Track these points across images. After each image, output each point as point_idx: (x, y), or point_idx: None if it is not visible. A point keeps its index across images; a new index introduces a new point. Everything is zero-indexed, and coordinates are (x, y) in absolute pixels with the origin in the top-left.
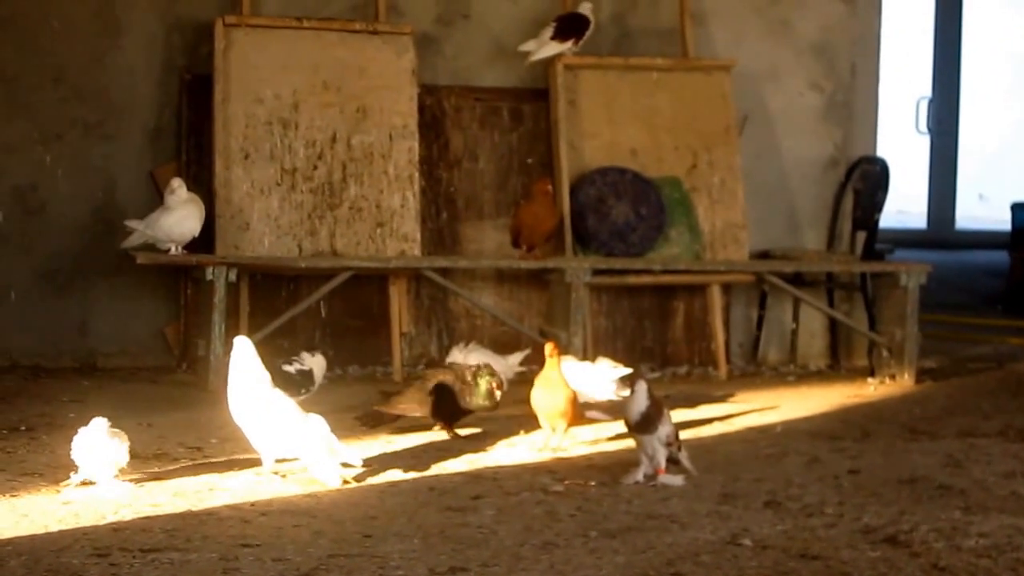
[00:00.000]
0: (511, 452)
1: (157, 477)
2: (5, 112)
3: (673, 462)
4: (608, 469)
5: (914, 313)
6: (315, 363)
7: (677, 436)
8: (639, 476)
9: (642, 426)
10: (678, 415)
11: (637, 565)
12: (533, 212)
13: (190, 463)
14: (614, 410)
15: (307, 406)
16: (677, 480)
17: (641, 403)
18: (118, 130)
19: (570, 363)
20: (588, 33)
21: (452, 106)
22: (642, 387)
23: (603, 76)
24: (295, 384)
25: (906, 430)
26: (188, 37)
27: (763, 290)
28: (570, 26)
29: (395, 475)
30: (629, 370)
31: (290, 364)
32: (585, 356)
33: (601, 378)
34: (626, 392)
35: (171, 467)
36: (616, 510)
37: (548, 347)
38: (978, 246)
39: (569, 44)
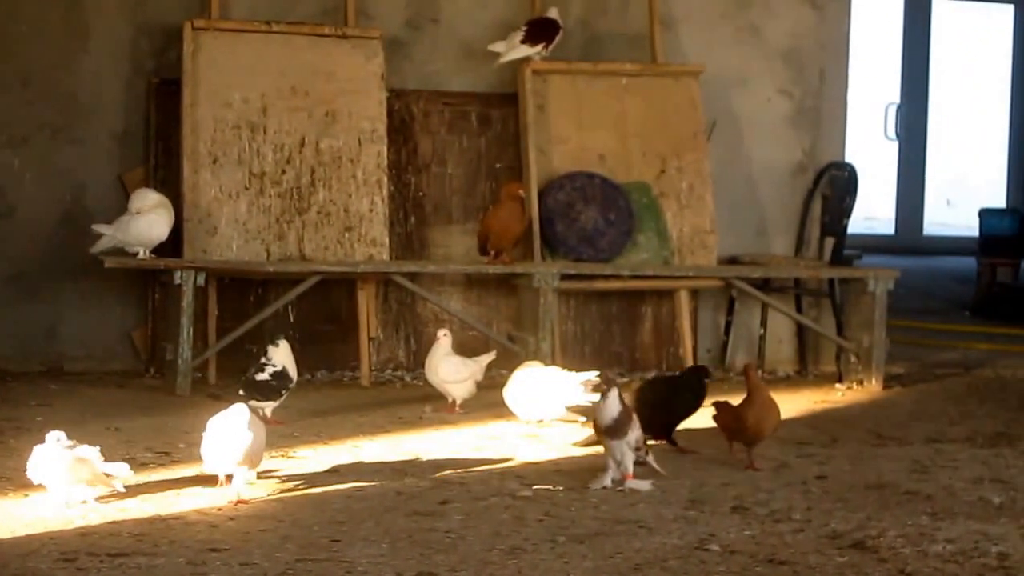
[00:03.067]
0: (478, 457)
1: (121, 495)
2: None
3: (640, 464)
4: (576, 474)
5: (882, 319)
6: (283, 355)
7: (644, 440)
8: (607, 481)
9: (612, 431)
10: None
11: (605, 570)
12: (501, 217)
13: (158, 467)
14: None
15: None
16: (645, 485)
17: (613, 409)
18: (86, 134)
19: (538, 368)
20: (558, 38)
21: (421, 110)
22: (614, 393)
23: (572, 81)
24: (274, 390)
25: (874, 436)
26: (156, 41)
27: (731, 295)
28: (540, 31)
29: (362, 480)
30: (595, 373)
31: (262, 371)
32: (553, 361)
33: (570, 383)
34: (595, 396)
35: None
36: (584, 515)
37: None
38: (946, 252)
39: (539, 48)
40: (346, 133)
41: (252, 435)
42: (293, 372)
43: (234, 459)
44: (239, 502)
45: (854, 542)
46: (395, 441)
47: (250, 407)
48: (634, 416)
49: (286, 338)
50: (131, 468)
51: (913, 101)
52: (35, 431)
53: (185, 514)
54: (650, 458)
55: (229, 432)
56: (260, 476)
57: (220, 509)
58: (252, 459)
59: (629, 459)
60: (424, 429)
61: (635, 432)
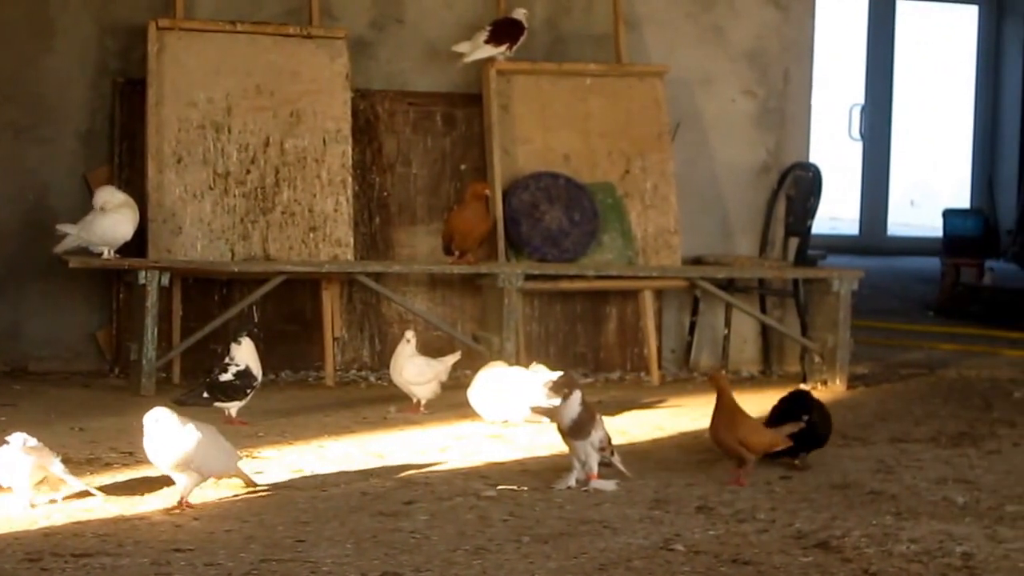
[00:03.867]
0: (443, 457)
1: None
2: None
3: (606, 465)
4: (541, 474)
5: (846, 319)
6: (246, 353)
7: (610, 440)
8: (571, 481)
9: (575, 431)
10: (610, 421)
11: (569, 570)
12: (465, 218)
13: (122, 467)
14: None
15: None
16: (610, 485)
17: (574, 409)
18: (51, 133)
19: (502, 369)
20: (522, 39)
21: (386, 111)
22: (576, 394)
23: (536, 81)
24: (238, 390)
25: (838, 436)
26: (121, 40)
27: (695, 296)
28: (505, 31)
29: (327, 480)
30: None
31: (225, 371)
32: (518, 361)
33: (534, 383)
34: (557, 398)
35: (102, 473)
36: (548, 515)
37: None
38: (910, 252)
39: (503, 49)
40: (311, 133)
41: (188, 440)
42: (257, 370)
43: (166, 463)
44: (182, 506)
45: (819, 542)
46: (360, 441)
47: (216, 406)
48: (598, 416)
49: (249, 334)
50: (96, 468)
51: (877, 102)
52: None
53: (150, 514)
54: (616, 459)
55: (160, 435)
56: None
57: (167, 512)
58: (194, 464)
59: (593, 459)
60: (389, 429)
61: (599, 432)
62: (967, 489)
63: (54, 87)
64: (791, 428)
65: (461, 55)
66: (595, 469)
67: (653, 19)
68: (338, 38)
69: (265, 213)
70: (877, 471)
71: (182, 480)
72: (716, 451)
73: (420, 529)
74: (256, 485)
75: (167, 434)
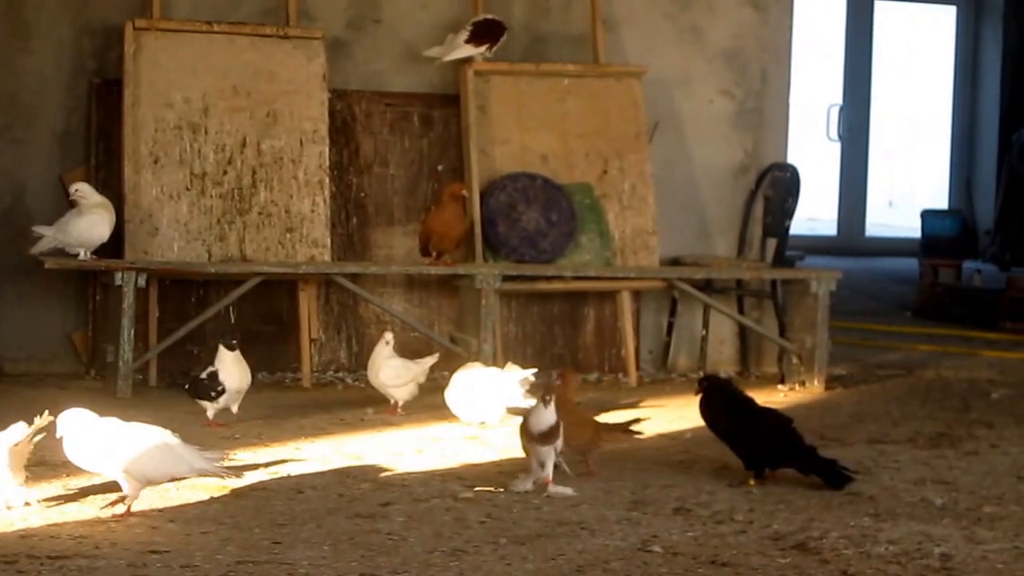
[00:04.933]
0: (420, 459)
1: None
2: None
3: (554, 467)
4: (518, 476)
5: (824, 320)
6: (227, 362)
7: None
8: (529, 484)
9: (545, 437)
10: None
11: (547, 572)
12: (443, 219)
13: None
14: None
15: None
16: (567, 491)
17: (550, 417)
18: (26, 134)
19: (479, 370)
20: (503, 40)
21: (363, 111)
22: (553, 402)
23: (514, 82)
24: (205, 389)
25: (816, 437)
26: (98, 41)
27: (673, 297)
28: (486, 31)
29: (304, 482)
30: (533, 371)
31: (203, 370)
32: (495, 362)
33: (511, 384)
34: (534, 400)
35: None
36: (526, 517)
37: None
38: (888, 253)
39: (483, 49)
40: (288, 134)
41: (108, 442)
42: (233, 379)
43: (91, 465)
44: (113, 507)
45: (796, 543)
46: (337, 443)
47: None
48: (561, 424)
49: (227, 347)
50: (71, 470)
51: (855, 102)
52: None
53: (125, 516)
54: (562, 461)
55: (76, 438)
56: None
57: (112, 518)
58: (133, 470)
59: (550, 464)
60: (366, 431)
61: (561, 439)
62: (945, 490)
63: (30, 88)
64: (630, 421)
65: (442, 49)
66: (551, 475)
67: (631, 20)
68: (315, 38)
69: (242, 214)
70: (855, 472)
71: (126, 484)
72: (691, 452)
73: (397, 531)
74: (225, 476)
75: (83, 436)
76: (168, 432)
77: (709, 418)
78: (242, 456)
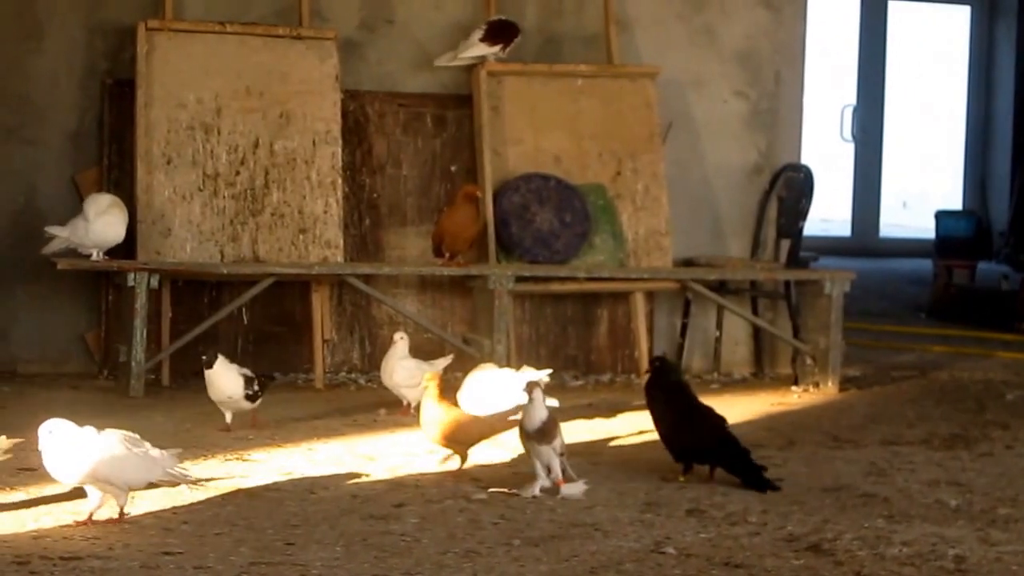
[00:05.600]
0: (433, 460)
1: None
2: None
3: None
4: (532, 477)
5: (838, 321)
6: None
7: (564, 447)
8: (536, 490)
9: (540, 435)
10: (601, 423)
11: (560, 573)
12: (456, 219)
13: None
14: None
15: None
16: (579, 488)
17: (540, 411)
18: (39, 135)
19: (492, 370)
20: (517, 41)
21: (375, 112)
22: (539, 395)
23: (527, 82)
24: None
25: (830, 438)
26: (110, 41)
27: (687, 298)
28: (500, 31)
29: (317, 483)
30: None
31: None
32: (509, 363)
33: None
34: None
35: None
36: (539, 518)
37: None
38: (902, 254)
39: (496, 49)
40: (300, 134)
41: (89, 452)
42: (216, 390)
43: (69, 477)
44: (86, 523)
45: (810, 545)
46: (350, 444)
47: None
48: (557, 420)
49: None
50: None
51: (869, 103)
52: None
53: (139, 517)
54: (567, 464)
55: (57, 449)
56: (212, 479)
57: (74, 524)
58: (101, 477)
59: (557, 464)
60: (379, 432)
61: (560, 437)
62: (960, 492)
63: (42, 88)
64: (509, 414)
65: (453, 56)
66: (560, 475)
67: (644, 20)
68: (328, 39)
69: (255, 215)
70: (869, 474)
71: (94, 495)
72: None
73: (410, 532)
74: (195, 482)
75: (65, 447)
76: (137, 437)
77: (648, 400)
78: (255, 456)
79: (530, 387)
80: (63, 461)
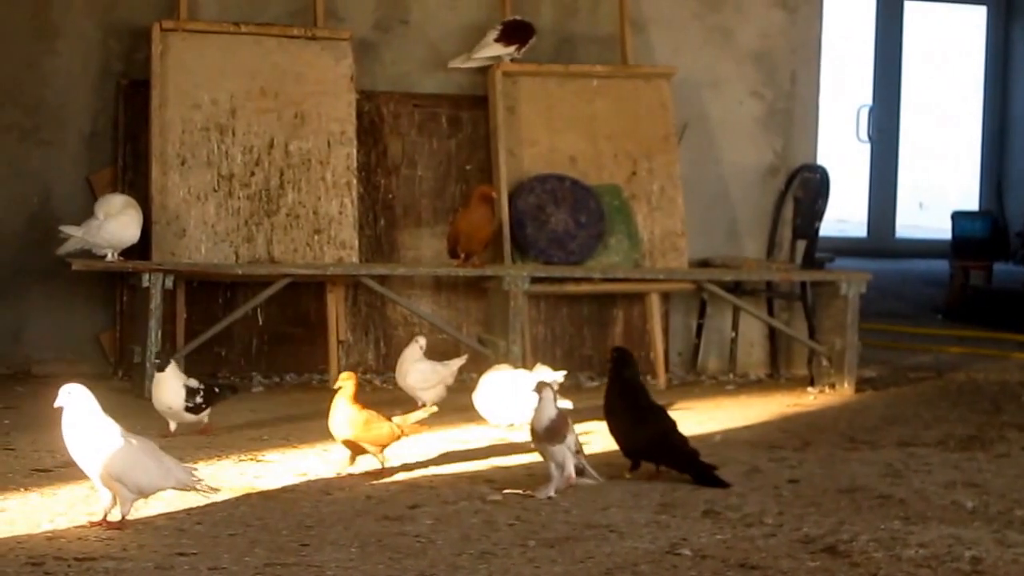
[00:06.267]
0: (448, 461)
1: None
2: None
3: (578, 472)
4: (547, 478)
5: (854, 322)
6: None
7: (580, 445)
8: (551, 491)
9: (551, 435)
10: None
11: (575, 575)
12: (471, 220)
13: None
14: None
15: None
16: (591, 479)
17: (549, 411)
18: (54, 135)
19: (507, 371)
20: (532, 41)
21: (390, 112)
22: (548, 394)
23: (543, 83)
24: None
25: (846, 440)
26: (125, 42)
27: (702, 299)
28: (515, 31)
29: (331, 484)
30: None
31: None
32: (524, 364)
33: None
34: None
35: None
36: (554, 519)
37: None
38: (918, 255)
39: (511, 50)
40: (315, 135)
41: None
42: (156, 399)
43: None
44: (100, 523)
45: (826, 547)
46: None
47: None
48: (568, 418)
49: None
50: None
51: (885, 103)
52: (1, 434)
53: (153, 518)
54: (587, 464)
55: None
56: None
57: (88, 525)
58: (118, 476)
59: (571, 463)
60: None
61: (573, 435)
62: (976, 493)
63: (57, 89)
64: (420, 415)
65: (467, 57)
66: (574, 474)
67: (660, 21)
68: (343, 39)
69: (270, 215)
70: (885, 475)
71: (105, 494)
72: (721, 455)
73: (425, 533)
74: (211, 490)
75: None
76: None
77: (606, 391)
78: (270, 457)
79: (540, 386)
80: (85, 450)
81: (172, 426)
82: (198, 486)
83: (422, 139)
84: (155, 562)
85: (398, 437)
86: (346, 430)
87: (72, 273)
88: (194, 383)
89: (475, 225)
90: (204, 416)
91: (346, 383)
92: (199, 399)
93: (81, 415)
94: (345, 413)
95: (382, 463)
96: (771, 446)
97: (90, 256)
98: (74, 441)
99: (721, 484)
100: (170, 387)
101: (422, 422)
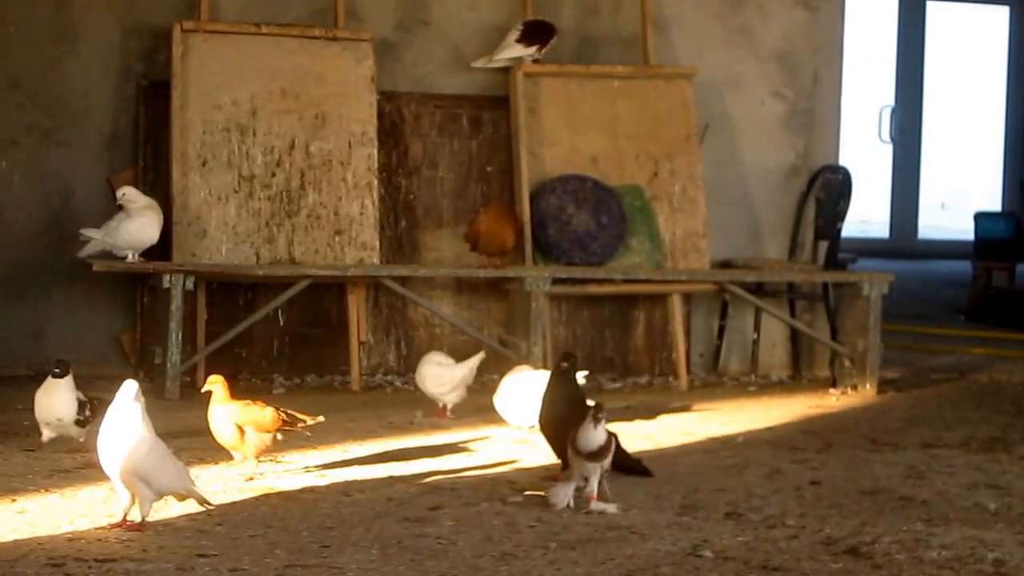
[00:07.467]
0: (469, 462)
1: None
2: None
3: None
4: (555, 484)
5: (876, 323)
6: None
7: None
8: (570, 499)
9: (595, 456)
10: (639, 426)
11: None
12: (491, 222)
13: None
14: None
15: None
16: (612, 507)
17: (600, 437)
18: (75, 136)
19: (528, 373)
20: (553, 42)
21: (411, 113)
22: (603, 422)
23: (564, 84)
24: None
25: (868, 441)
26: (146, 42)
27: (724, 300)
28: (536, 32)
29: (352, 485)
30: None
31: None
32: (545, 366)
33: None
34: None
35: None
36: (576, 521)
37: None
38: (941, 256)
39: (532, 50)
40: (336, 136)
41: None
42: (44, 409)
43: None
44: (121, 524)
45: (849, 548)
46: (385, 446)
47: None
48: (613, 442)
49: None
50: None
51: (908, 103)
52: (22, 436)
53: (174, 520)
54: (605, 482)
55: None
56: (248, 479)
57: (109, 527)
58: (145, 475)
59: (595, 481)
60: (415, 434)
61: (610, 456)
62: (999, 495)
63: (78, 90)
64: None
65: (488, 58)
66: (595, 490)
67: (681, 21)
68: (363, 40)
69: (290, 216)
70: (908, 476)
71: (124, 495)
72: (742, 456)
73: (446, 535)
74: (210, 504)
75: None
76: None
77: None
78: (291, 458)
79: (596, 410)
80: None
81: (45, 437)
82: (196, 495)
83: (443, 140)
84: (175, 563)
85: (282, 421)
86: (226, 424)
87: (93, 274)
88: (82, 396)
89: (496, 228)
90: (84, 432)
91: (215, 386)
92: (88, 412)
93: (123, 409)
94: (222, 409)
95: (253, 457)
96: (793, 447)
97: (111, 257)
98: (106, 434)
99: (646, 472)
100: (64, 398)
101: (306, 426)
